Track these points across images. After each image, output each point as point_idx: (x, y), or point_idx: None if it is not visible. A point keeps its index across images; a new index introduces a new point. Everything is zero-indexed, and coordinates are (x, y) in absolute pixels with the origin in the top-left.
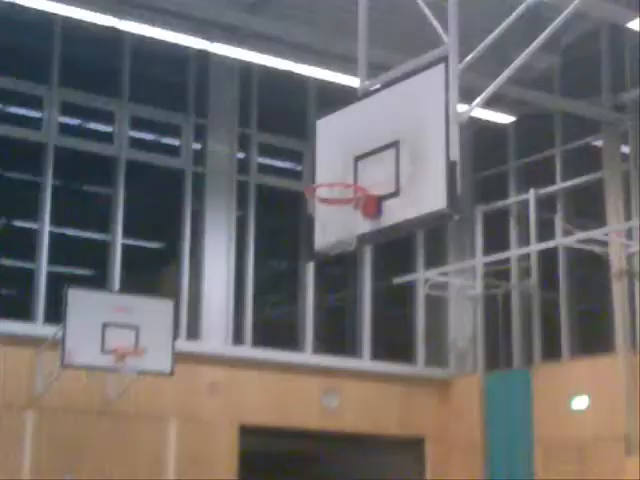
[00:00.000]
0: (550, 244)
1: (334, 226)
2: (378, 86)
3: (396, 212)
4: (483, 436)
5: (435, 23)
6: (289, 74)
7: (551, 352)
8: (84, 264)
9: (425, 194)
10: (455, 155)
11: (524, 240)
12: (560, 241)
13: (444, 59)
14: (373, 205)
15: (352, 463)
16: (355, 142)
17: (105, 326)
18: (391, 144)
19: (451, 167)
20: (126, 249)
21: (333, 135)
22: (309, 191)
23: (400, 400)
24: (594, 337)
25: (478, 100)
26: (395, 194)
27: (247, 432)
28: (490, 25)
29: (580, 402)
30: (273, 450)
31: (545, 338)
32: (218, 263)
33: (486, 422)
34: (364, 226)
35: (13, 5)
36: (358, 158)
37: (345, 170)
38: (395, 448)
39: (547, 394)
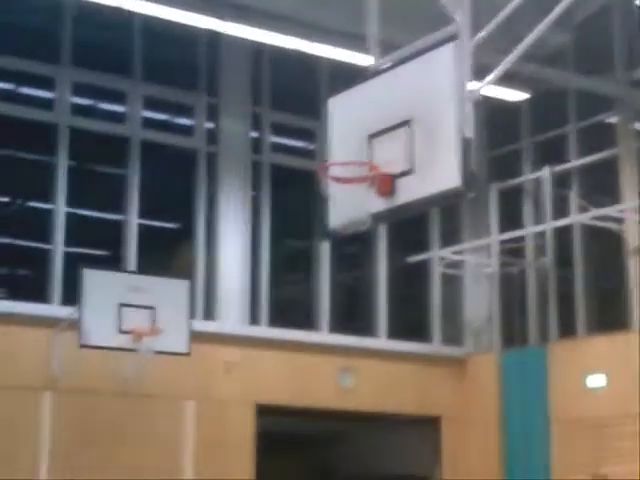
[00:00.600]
0: (565, 221)
1: (348, 205)
2: (390, 64)
3: (410, 190)
4: (499, 414)
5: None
6: (301, 53)
7: (567, 330)
8: (99, 245)
9: (439, 172)
10: (469, 132)
11: (539, 218)
12: (575, 218)
13: (456, 36)
14: (387, 183)
15: (368, 442)
16: (368, 120)
17: (121, 306)
18: (404, 122)
19: (465, 144)
20: (141, 229)
21: (345, 113)
22: (322, 170)
23: (416, 379)
24: (610, 315)
25: (491, 77)
26: (409, 172)
27: (263, 412)
28: (502, 2)
29: (596, 380)
30: (290, 430)
31: (561, 316)
32: (233, 243)
33: (502, 400)
34: (378, 204)
35: None
36: (371, 136)
37: (358, 148)
38: (411, 427)
39: (563, 372)
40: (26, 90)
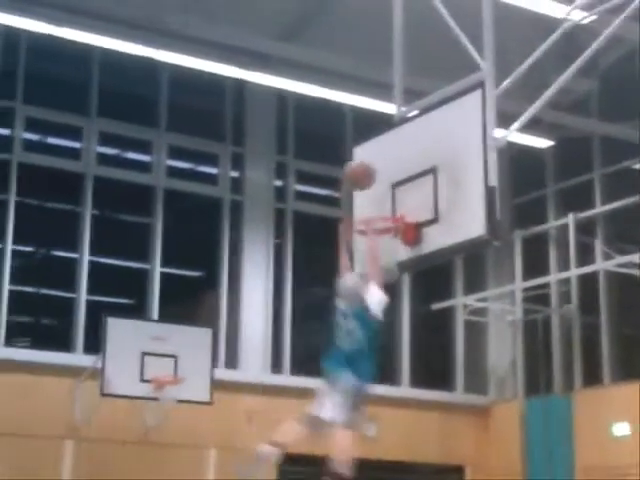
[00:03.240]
0: (590, 268)
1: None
2: (415, 112)
3: (436, 239)
4: (523, 463)
5: (471, 48)
6: (325, 101)
7: (592, 378)
8: (123, 293)
9: (464, 220)
10: (493, 180)
11: (564, 265)
12: (600, 265)
13: (480, 84)
14: (412, 232)
15: None
16: (392, 169)
17: (144, 355)
18: (429, 170)
19: (490, 193)
20: (164, 278)
21: (371, 162)
22: (347, 228)
23: (439, 427)
24: (636, 362)
25: (516, 125)
26: (434, 221)
27: (286, 461)
28: (526, 49)
29: (622, 428)
30: (312, 479)
31: (586, 363)
32: (256, 291)
33: (526, 449)
34: (404, 253)
35: (51, 37)
36: (396, 185)
37: (383, 198)
38: (435, 476)
39: (588, 420)
40: (53, 140)
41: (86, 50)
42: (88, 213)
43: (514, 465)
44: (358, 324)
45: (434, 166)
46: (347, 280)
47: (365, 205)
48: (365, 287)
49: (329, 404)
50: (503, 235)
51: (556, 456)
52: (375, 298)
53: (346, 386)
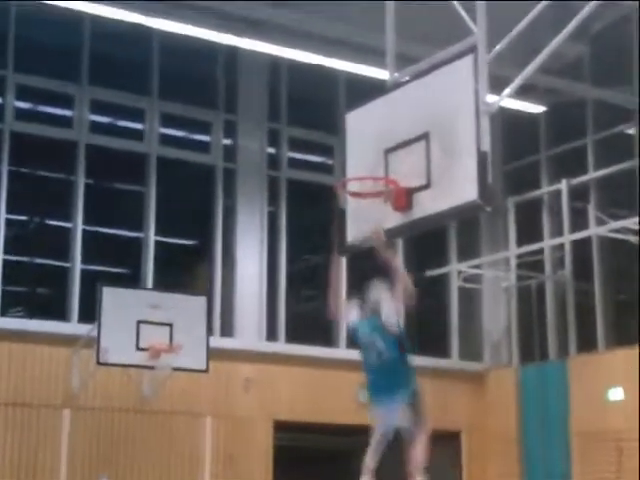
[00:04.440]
0: (583, 234)
1: (365, 219)
2: (407, 78)
3: (427, 204)
4: (519, 429)
5: (463, 13)
6: (318, 68)
7: (586, 343)
8: (117, 262)
9: (456, 186)
10: (486, 146)
11: (557, 230)
12: (593, 231)
13: (473, 49)
14: (404, 198)
15: (388, 458)
16: (385, 134)
17: (139, 323)
18: (421, 136)
19: (482, 158)
20: (159, 246)
21: (363, 128)
22: (340, 185)
23: (435, 394)
24: (629, 328)
25: (508, 90)
26: (426, 186)
27: (282, 428)
28: (518, 14)
29: (616, 393)
30: (308, 446)
31: (580, 329)
32: (251, 259)
33: (522, 414)
34: (395, 219)
35: (42, 4)
36: (388, 150)
37: (375, 163)
38: (431, 442)
39: (583, 385)
40: (45, 108)
41: (78, 17)
42: (81, 182)
43: (510, 430)
44: (381, 339)
45: (426, 132)
46: (373, 293)
47: (358, 171)
48: (385, 301)
49: (398, 413)
50: (495, 200)
51: (551, 421)
52: (391, 310)
53: (402, 404)
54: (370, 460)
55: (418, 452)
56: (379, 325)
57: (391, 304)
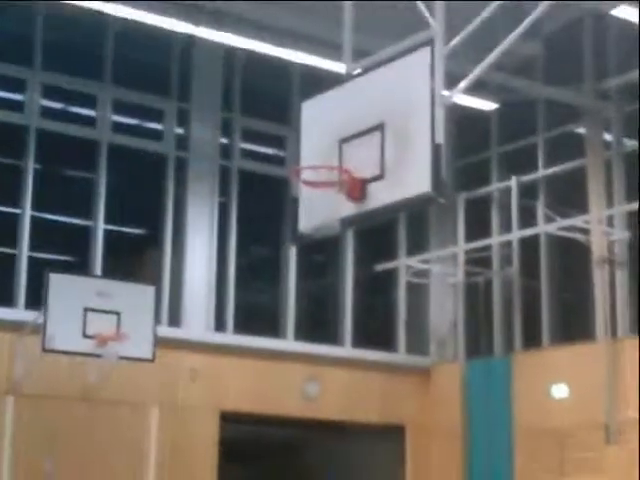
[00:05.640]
0: (532, 231)
1: (318, 209)
2: (363, 70)
3: (380, 195)
4: (464, 424)
5: (421, 6)
6: (273, 59)
7: (532, 340)
8: (65, 249)
9: (410, 177)
10: (440, 138)
11: (506, 227)
12: (542, 228)
13: (430, 42)
14: (358, 188)
15: (333, 451)
16: (340, 125)
17: (86, 311)
18: (376, 127)
19: (436, 150)
20: (108, 234)
21: (318, 117)
22: (294, 173)
23: (381, 388)
24: (575, 325)
25: (461, 85)
26: (380, 177)
27: (228, 419)
28: (474, 11)
29: (560, 390)
30: (254, 438)
31: (526, 326)
32: (200, 249)
33: (467, 410)
34: (348, 209)
35: None
36: (343, 141)
37: (330, 153)
38: (376, 436)
39: (528, 382)
40: None
41: (30, 1)
42: (31, 167)
43: (455, 426)
44: None
45: (381, 122)
46: None
47: (312, 161)
48: None
49: None
50: (447, 193)
51: (496, 417)
52: None
53: None
54: None
55: None
56: None
57: None
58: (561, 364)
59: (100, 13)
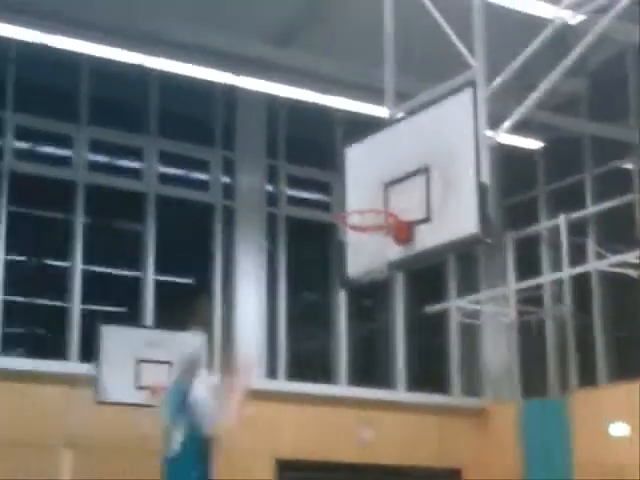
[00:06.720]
0: (583, 269)
1: (366, 253)
2: (405, 114)
3: (428, 237)
4: (521, 465)
5: (462, 47)
6: (316, 106)
7: (588, 378)
8: (116, 301)
9: (456, 218)
10: (485, 178)
11: (556, 265)
12: (593, 265)
13: (472, 83)
14: (404, 231)
15: None
16: (385, 169)
17: (139, 362)
18: (421, 169)
19: (482, 190)
20: (158, 285)
21: (362, 162)
22: (340, 218)
23: (436, 431)
24: (631, 362)
25: (507, 123)
26: (426, 219)
27: (284, 466)
28: (516, 49)
29: (619, 429)
30: None
31: (581, 364)
32: (250, 296)
33: (524, 451)
34: (396, 252)
35: (41, 45)
36: (388, 184)
37: (375, 197)
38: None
39: (585, 421)
40: (43, 148)
41: (75, 58)
42: (80, 221)
43: (512, 467)
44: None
45: (426, 165)
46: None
47: (358, 206)
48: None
49: None
50: (495, 233)
51: (554, 457)
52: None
53: None
54: None
55: None
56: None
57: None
58: (618, 402)
59: (143, 67)
